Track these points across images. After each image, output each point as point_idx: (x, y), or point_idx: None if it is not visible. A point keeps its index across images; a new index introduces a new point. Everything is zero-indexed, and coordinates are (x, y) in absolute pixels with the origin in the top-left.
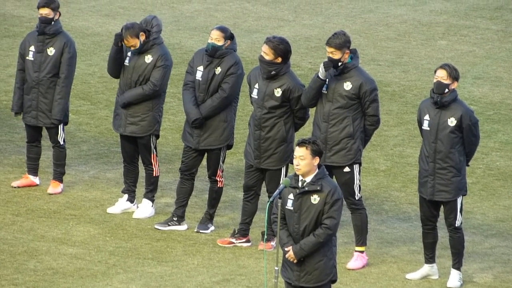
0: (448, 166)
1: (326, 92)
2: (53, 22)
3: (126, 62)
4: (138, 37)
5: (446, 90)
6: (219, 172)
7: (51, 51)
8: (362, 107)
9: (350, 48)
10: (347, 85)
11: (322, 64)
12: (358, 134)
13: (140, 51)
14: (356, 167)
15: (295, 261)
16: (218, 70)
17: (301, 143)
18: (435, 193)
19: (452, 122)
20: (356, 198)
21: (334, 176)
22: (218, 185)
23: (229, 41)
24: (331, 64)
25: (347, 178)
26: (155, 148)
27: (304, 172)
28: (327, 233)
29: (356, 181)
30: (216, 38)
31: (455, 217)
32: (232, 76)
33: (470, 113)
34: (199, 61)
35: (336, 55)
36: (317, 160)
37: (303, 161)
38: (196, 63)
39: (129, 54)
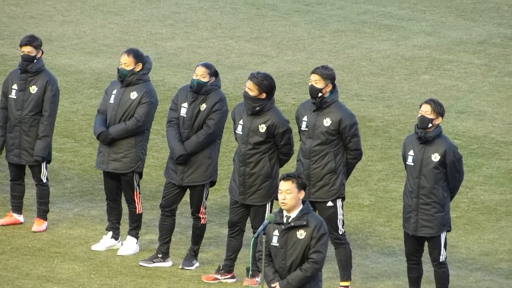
0: (432, 202)
1: (306, 129)
2: (35, 60)
3: (111, 99)
4: (136, 64)
5: (430, 125)
6: (202, 209)
7: (33, 89)
8: (343, 141)
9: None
10: (327, 121)
11: None
12: (341, 168)
13: (125, 84)
14: (339, 201)
15: None
16: (203, 106)
17: (287, 177)
18: (419, 228)
19: (435, 157)
20: (340, 233)
21: (317, 211)
22: (201, 222)
23: (213, 78)
24: None
25: (330, 213)
26: (138, 185)
27: (290, 206)
28: (314, 267)
29: (339, 216)
30: (201, 74)
31: (439, 252)
32: (217, 113)
33: (454, 149)
34: (184, 97)
35: (319, 84)
36: (302, 194)
37: (289, 195)
38: (181, 100)
39: (114, 92)
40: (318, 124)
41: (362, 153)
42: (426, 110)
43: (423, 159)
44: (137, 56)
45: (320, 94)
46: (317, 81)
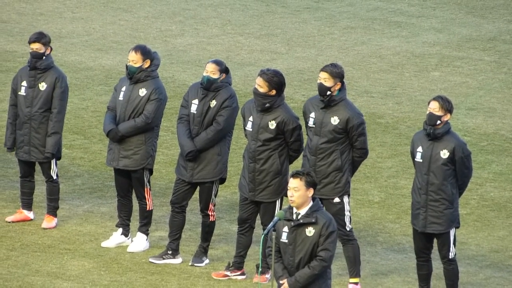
0: (441, 198)
1: (314, 126)
2: (44, 57)
3: (121, 97)
4: (144, 61)
5: (438, 121)
6: (210, 206)
7: (42, 86)
8: (350, 140)
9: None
10: (334, 120)
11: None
12: (347, 166)
13: (134, 81)
14: (345, 198)
15: None
16: (213, 103)
17: (295, 175)
18: (427, 225)
19: (444, 154)
20: (347, 229)
21: (324, 208)
22: (210, 219)
23: (224, 75)
24: None
25: (337, 209)
26: (149, 182)
27: (298, 203)
28: (322, 265)
29: (347, 212)
30: (211, 71)
31: (448, 249)
32: (227, 109)
33: (462, 145)
34: (194, 94)
35: (328, 82)
36: (311, 192)
37: (297, 193)
38: (191, 97)
39: (123, 89)
40: (326, 122)
41: (367, 152)
42: (434, 107)
43: (432, 156)
44: (145, 52)
45: (328, 92)
46: (326, 79)
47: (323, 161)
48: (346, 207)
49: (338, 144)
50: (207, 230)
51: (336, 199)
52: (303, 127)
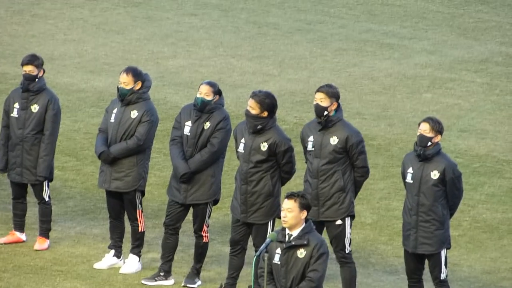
0: (431, 219)
1: (313, 149)
2: (37, 79)
3: (112, 118)
4: (135, 82)
5: (429, 143)
6: (204, 227)
7: (35, 108)
8: (350, 159)
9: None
10: (334, 140)
11: None
12: (349, 186)
13: (125, 103)
14: (348, 220)
15: None
16: (207, 125)
17: (290, 196)
18: (418, 246)
19: (435, 175)
20: (347, 252)
21: (325, 230)
22: (204, 240)
23: (217, 96)
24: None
25: (339, 231)
26: (141, 204)
27: (290, 224)
28: (310, 285)
29: (347, 235)
30: (205, 93)
31: (439, 270)
32: (221, 131)
33: (453, 166)
34: (187, 116)
35: (325, 102)
36: (304, 214)
37: (290, 214)
38: (184, 118)
39: (114, 111)
40: (325, 143)
41: (369, 171)
42: (425, 129)
43: (422, 177)
44: (136, 74)
45: (325, 113)
46: (322, 100)
47: (325, 182)
48: (348, 229)
49: (339, 164)
50: (200, 251)
51: (339, 221)
52: (302, 154)
